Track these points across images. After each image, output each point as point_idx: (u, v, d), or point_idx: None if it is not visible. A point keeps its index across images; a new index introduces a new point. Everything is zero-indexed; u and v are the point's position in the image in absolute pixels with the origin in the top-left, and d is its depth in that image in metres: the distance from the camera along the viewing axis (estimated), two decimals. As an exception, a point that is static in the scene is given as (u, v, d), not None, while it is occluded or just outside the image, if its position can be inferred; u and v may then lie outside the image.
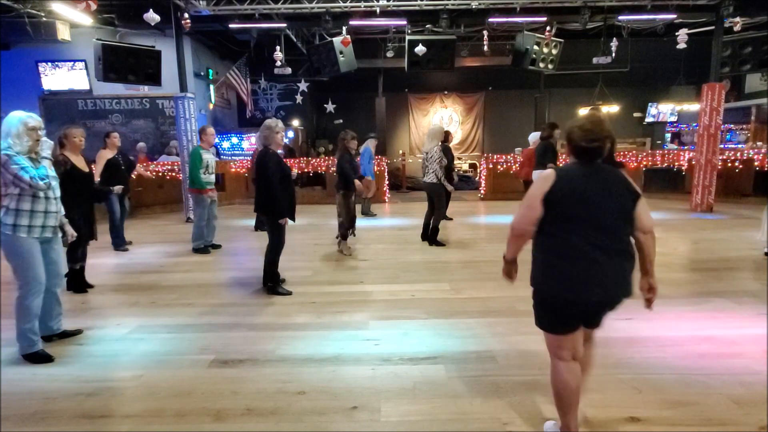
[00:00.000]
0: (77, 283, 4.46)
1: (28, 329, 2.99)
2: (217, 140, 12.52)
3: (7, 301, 4.22)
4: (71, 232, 3.30)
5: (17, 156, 2.85)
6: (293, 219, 4.28)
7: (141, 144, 10.77)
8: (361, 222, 6.73)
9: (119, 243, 6.28)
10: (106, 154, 6.02)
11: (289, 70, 10.46)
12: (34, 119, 2.96)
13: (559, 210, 1.93)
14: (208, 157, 5.95)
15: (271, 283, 4.35)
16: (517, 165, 9.97)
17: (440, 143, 6.03)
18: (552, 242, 1.97)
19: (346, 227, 5.79)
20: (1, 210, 2.91)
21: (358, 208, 6.76)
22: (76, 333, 3.42)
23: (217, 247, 6.28)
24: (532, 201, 1.96)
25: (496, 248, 5.85)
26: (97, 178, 5.75)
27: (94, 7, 7.29)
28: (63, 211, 3.21)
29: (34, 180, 2.84)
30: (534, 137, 7.26)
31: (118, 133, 6.33)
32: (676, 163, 10.26)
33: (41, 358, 2.99)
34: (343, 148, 5.75)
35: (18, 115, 2.91)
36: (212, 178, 6.01)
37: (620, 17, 9.28)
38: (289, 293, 4.28)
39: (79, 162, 4.29)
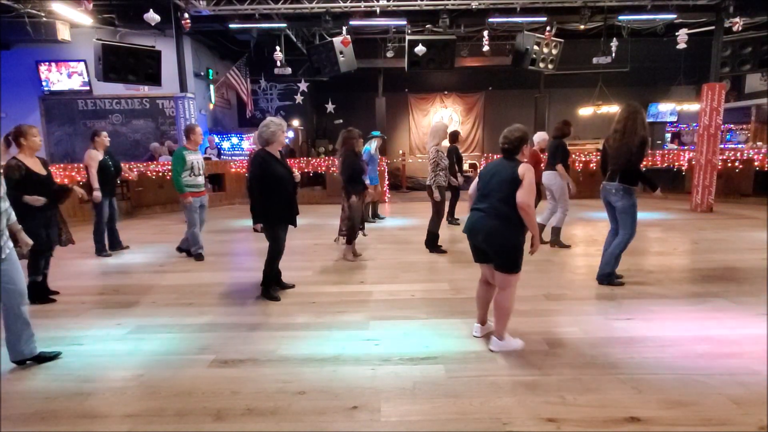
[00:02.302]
0: (40, 293, 4.15)
1: None
2: (217, 140, 12.56)
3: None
4: (26, 241, 2.97)
5: None
6: (292, 224, 4.13)
7: (155, 144, 10.78)
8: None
9: (100, 248, 5.92)
10: (97, 155, 5.71)
11: (289, 70, 10.47)
12: None
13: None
14: (194, 158, 5.44)
15: (264, 286, 4.23)
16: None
17: (441, 143, 5.60)
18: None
19: (355, 230, 5.48)
20: None
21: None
22: (53, 357, 2.99)
23: (200, 258, 5.70)
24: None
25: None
26: (95, 183, 5.64)
27: (89, 6, 7.29)
28: (14, 218, 2.89)
29: None
30: (539, 137, 6.59)
31: (106, 132, 5.95)
32: (676, 163, 10.26)
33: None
34: (351, 148, 5.31)
35: None
36: (199, 180, 5.50)
37: (620, 17, 9.28)
38: (278, 299, 4.14)
39: (35, 165, 3.90)
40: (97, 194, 5.60)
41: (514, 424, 2.24)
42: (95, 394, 2.59)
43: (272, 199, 3.93)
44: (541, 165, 6.20)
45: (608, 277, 4.39)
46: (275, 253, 4.16)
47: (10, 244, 2.77)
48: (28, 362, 2.94)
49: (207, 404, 2.46)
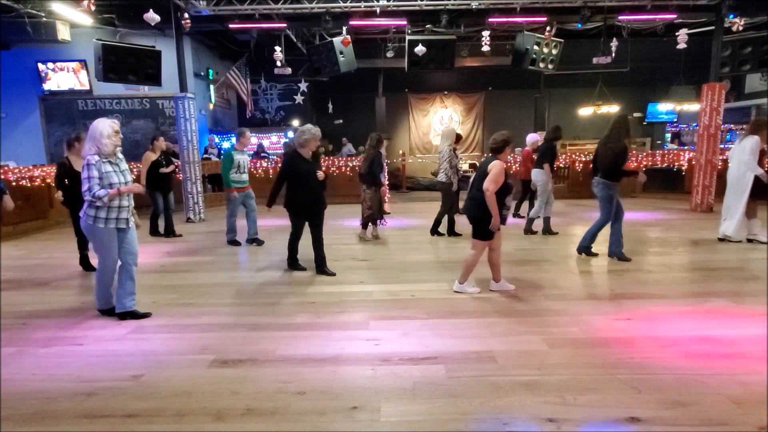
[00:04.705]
0: (86, 263, 5.23)
1: (107, 294, 3.74)
2: (217, 140, 12.58)
3: (6, 300, 4.25)
4: (137, 221, 3.90)
5: (103, 162, 3.44)
6: (310, 218, 4.93)
7: None
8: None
9: (154, 230, 7.18)
10: (151, 156, 6.75)
11: (289, 70, 10.46)
12: (117, 123, 3.55)
13: None
14: (240, 158, 6.29)
15: (290, 260, 5.10)
16: (517, 165, 10.01)
17: (451, 144, 6.50)
18: None
19: (375, 218, 6.56)
20: (86, 202, 3.45)
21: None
22: (145, 316, 3.76)
23: (261, 242, 6.54)
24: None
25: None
26: (142, 179, 6.58)
27: (85, 5, 7.28)
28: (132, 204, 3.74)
29: (113, 187, 3.48)
30: (531, 139, 7.54)
31: (163, 137, 7.17)
32: (676, 163, 10.26)
33: (115, 312, 3.70)
34: (379, 149, 6.42)
35: (106, 120, 3.50)
36: (244, 177, 6.36)
37: (620, 17, 9.28)
38: (304, 269, 5.04)
39: (79, 166, 4.59)
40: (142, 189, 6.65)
41: (514, 424, 2.24)
42: (95, 394, 2.59)
43: (295, 192, 4.75)
44: (530, 164, 7.08)
45: (585, 249, 5.39)
46: (294, 235, 5.00)
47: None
48: (126, 317, 3.71)
49: (207, 404, 2.46)
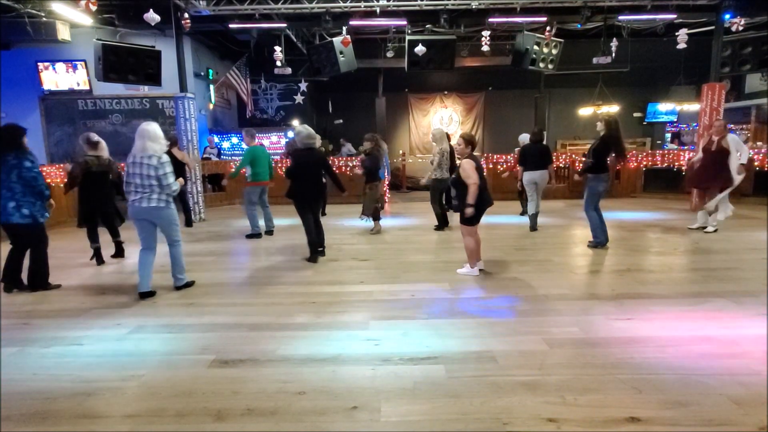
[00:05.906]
0: (120, 250, 5.88)
1: (183, 267, 4.48)
2: (217, 140, 12.58)
3: (6, 300, 4.25)
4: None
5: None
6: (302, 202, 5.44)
7: None
8: (365, 221, 7.28)
9: (189, 220, 7.99)
10: (181, 152, 7.80)
11: (289, 70, 10.46)
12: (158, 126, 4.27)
13: None
14: None
15: (311, 253, 5.45)
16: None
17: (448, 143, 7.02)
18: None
19: (380, 209, 7.20)
20: (162, 195, 4.15)
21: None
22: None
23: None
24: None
25: (495, 248, 5.86)
26: (193, 169, 7.80)
27: (93, 8, 7.29)
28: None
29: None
30: (524, 139, 7.79)
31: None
32: (676, 163, 10.26)
33: (189, 285, 4.50)
34: (378, 148, 6.93)
35: (153, 123, 4.22)
36: None
37: (620, 17, 9.27)
38: (314, 261, 5.37)
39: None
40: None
41: (514, 424, 2.24)
42: (95, 394, 2.59)
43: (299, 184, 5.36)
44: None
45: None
46: (305, 226, 5.46)
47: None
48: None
49: (207, 404, 2.46)
